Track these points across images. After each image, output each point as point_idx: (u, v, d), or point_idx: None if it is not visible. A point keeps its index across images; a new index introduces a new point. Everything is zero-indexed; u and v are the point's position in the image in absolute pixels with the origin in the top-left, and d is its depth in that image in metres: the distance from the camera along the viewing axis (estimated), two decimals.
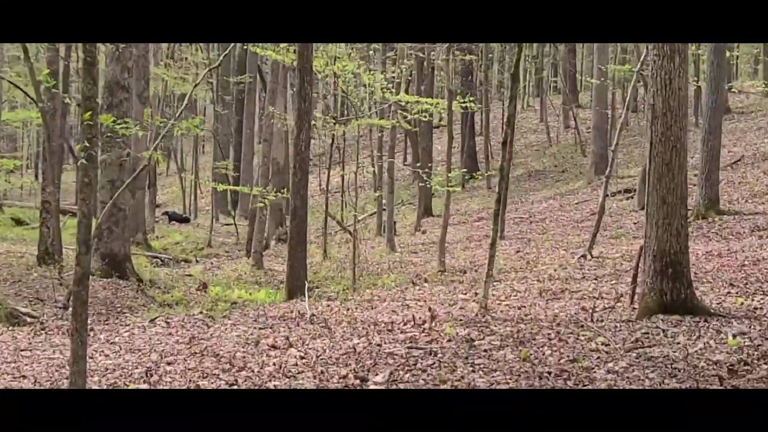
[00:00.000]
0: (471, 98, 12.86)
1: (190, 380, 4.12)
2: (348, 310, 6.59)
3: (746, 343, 4.09)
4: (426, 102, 11.18)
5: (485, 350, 4.34)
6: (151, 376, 4.27)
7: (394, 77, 12.51)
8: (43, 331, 6.04)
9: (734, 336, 4.24)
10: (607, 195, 10.01)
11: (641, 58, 9.60)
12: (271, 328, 5.81)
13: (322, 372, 4.08)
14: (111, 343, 5.54)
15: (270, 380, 4.01)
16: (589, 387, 3.54)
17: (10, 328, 6.11)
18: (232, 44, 6.76)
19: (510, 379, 3.73)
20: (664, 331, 4.48)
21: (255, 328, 5.81)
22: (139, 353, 5.05)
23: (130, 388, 4.06)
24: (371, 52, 16.57)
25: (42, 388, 4.19)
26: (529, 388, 3.53)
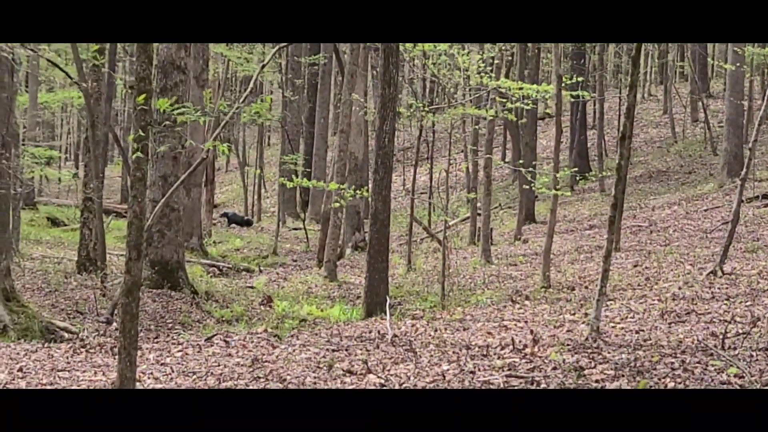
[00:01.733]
0: (583, 85, 12.57)
1: None
2: (436, 330, 6.70)
3: None
4: (530, 89, 10.90)
5: (596, 380, 4.40)
6: None
7: (493, 59, 12.33)
8: (83, 349, 6.31)
9: None
10: (742, 201, 9.68)
11: None
12: (346, 350, 5.93)
13: None
14: (161, 364, 5.79)
15: None
16: None
17: (46, 344, 6.41)
18: None
19: None
20: None
21: (327, 350, 5.95)
22: (194, 376, 5.25)
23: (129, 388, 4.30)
24: None
25: (42, 388, 4.42)
26: (529, 388, 3.86)
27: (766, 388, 3.73)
